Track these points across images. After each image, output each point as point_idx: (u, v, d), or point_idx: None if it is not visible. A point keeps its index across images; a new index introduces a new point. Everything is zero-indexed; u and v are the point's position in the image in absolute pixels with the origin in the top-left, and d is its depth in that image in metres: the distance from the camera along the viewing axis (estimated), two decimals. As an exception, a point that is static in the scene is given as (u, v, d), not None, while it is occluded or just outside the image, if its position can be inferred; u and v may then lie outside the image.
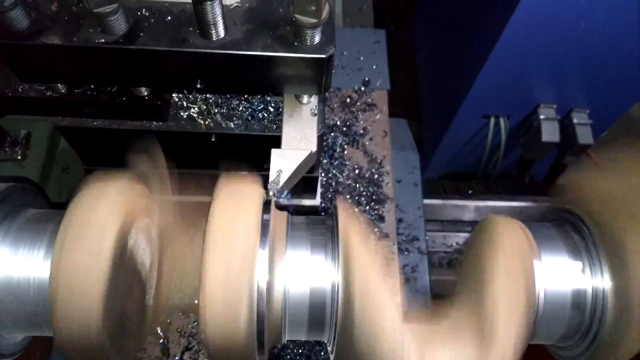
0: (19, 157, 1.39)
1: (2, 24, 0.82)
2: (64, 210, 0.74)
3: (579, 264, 0.83)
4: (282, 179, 0.93)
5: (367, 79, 1.69)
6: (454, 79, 2.81)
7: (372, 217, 1.49)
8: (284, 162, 0.94)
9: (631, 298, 0.75)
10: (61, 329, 0.68)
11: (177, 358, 1.27)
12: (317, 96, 1.01)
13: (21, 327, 0.81)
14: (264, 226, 0.74)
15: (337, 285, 0.75)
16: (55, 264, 0.69)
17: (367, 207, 1.50)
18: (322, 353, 1.29)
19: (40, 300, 0.76)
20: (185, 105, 1.03)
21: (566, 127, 2.55)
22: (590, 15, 2.03)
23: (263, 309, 0.71)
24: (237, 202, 0.75)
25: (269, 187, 0.95)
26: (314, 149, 0.97)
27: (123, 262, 0.72)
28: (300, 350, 1.29)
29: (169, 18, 0.86)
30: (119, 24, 0.83)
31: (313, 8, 0.79)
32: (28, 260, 0.78)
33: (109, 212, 0.71)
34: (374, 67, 1.73)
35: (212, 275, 0.68)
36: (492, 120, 2.64)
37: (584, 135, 2.50)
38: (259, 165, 1.12)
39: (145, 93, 0.97)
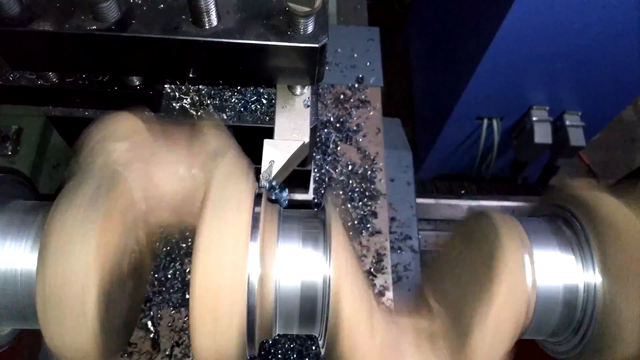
0: (9, 153, 1.38)
1: (-7, 10, 0.82)
2: (53, 202, 0.73)
3: (571, 259, 0.82)
4: (275, 170, 0.93)
5: (360, 76, 1.69)
6: (448, 81, 2.82)
7: (365, 213, 1.49)
8: (277, 153, 0.94)
9: (622, 294, 0.74)
10: (49, 324, 0.67)
11: (167, 352, 1.26)
12: (310, 88, 1.01)
13: (8, 320, 0.80)
14: (255, 219, 0.74)
15: (328, 278, 0.74)
16: (42, 259, 0.68)
17: (360, 203, 1.50)
18: (314, 347, 1.28)
19: (28, 292, 0.75)
20: (177, 96, 1.02)
21: (558, 129, 2.56)
22: (583, 18, 2.05)
23: (254, 302, 0.71)
24: (228, 194, 0.75)
25: (261, 177, 0.94)
26: (307, 140, 0.97)
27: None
28: (292, 345, 1.29)
29: (162, 6, 0.86)
30: (111, 11, 0.83)
31: (306, -4, 0.79)
32: (15, 252, 0.76)
33: (96, 206, 0.70)
34: (368, 64, 1.73)
35: (203, 268, 0.67)
36: (485, 122, 2.65)
37: (576, 138, 2.51)
38: (251, 158, 1.12)
39: (137, 83, 0.96)
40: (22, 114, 1.41)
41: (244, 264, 0.69)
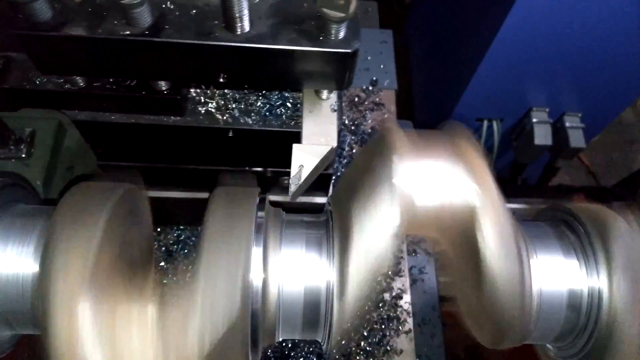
0: (24, 155, 1.36)
1: (25, 15, 0.81)
2: (54, 207, 0.72)
3: (575, 264, 0.82)
4: (304, 174, 0.93)
5: (374, 78, 1.70)
6: (448, 82, 2.83)
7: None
8: (306, 157, 0.94)
9: (627, 298, 0.75)
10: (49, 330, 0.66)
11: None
12: (336, 92, 1.02)
13: (9, 325, 0.79)
14: (259, 224, 0.74)
15: (332, 283, 0.74)
16: (45, 263, 0.67)
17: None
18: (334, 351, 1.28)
19: (29, 297, 0.74)
20: (203, 100, 1.02)
21: (558, 131, 2.57)
22: (583, 20, 2.06)
23: (257, 307, 0.71)
24: (232, 199, 0.75)
25: (290, 182, 0.94)
26: (335, 144, 0.97)
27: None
28: (311, 349, 1.29)
29: (194, 11, 0.86)
30: (144, 16, 0.82)
31: (341, 2, 0.79)
32: (17, 256, 0.76)
33: (99, 209, 0.70)
34: (382, 66, 1.74)
35: (208, 272, 0.67)
36: (485, 123, 2.66)
37: (576, 139, 2.52)
38: (276, 162, 1.12)
39: (165, 87, 0.96)
40: (35, 117, 1.39)
41: (248, 270, 0.69)
